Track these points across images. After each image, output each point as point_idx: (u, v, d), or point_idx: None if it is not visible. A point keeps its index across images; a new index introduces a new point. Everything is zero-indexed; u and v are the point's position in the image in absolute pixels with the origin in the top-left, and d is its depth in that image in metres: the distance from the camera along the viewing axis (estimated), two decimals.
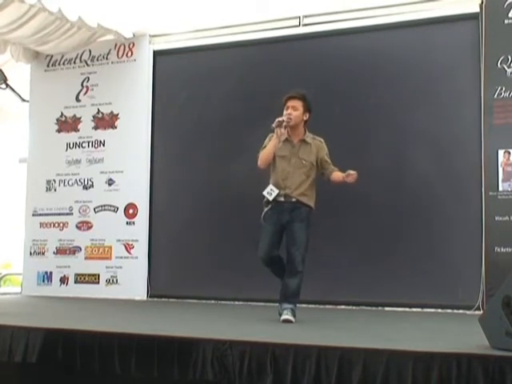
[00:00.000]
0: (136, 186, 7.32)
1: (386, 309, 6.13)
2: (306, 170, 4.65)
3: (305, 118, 4.68)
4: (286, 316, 4.44)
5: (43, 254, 7.68)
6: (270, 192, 4.62)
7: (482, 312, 4.38)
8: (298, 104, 4.63)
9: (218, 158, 7.07)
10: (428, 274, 6.02)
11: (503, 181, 5.82)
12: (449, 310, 5.96)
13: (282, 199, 4.61)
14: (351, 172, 4.56)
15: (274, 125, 4.56)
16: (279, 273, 4.71)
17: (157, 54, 7.50)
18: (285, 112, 4.62)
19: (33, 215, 7.80)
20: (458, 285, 5.98)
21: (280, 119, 4.56)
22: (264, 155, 4.67)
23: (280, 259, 4.69)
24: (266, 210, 4.67)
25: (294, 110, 4.61)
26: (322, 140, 4.78)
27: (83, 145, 7.64)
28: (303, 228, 4.59)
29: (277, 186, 4.62)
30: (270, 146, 4.63)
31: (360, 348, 3.00)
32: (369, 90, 6.54)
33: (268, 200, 4.64)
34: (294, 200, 4.60)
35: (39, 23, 6.88)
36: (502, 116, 5.86)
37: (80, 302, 6.61)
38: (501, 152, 5.83)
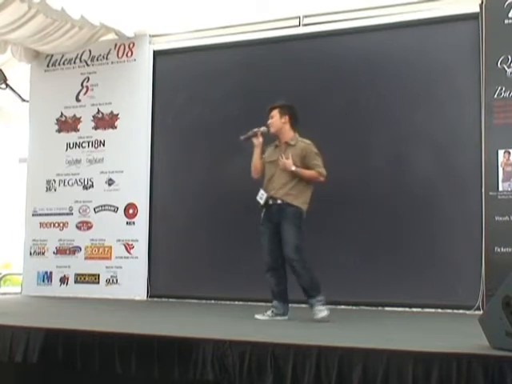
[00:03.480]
0: (136, 186, 7.32)
1: (386, 309, 6.13)
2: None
3: (284, 121, 4.96)
4: (319, 314, 4.62)
5: (43, 254, 7.68)
6: (261, 196, 4.91)
7: (482, 312, 4.39)
8: (274, 112, 4.99)
9: (217, 158, 7.07)
10: (428, 273, 6.03)
11: (503, 181, 5.82)
12: (449, 310, 5.96)
13: (270, 202, 4.86)
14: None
15: (242, 137, 5.01)
16: (276, 291, 4.87)
17: (157, 54, 7.50)
18: None
19: (33, 215, 7.79)
20: (458, 285, 5.98)
21: (255, 130, 4.98)
22: (252, 166, 5.04)
23: (283, 276, 4.86)
24: (261, 215, 4.94)
25: (271, 118, 4.97)
26: (309, 142, 4.96)
27: (83, 145, 7.64)
28: (288, 226, 4.77)
29: (265, 190, 4.90)
30: (254, 156, 5.01)
31: (360, 348, 3.00)
32: (369, 90, 6.54)
33: (261, 204, 4.91)
34: (279, 202, 4.83)
35: (40, 22, 6.87)
36: (502, 116, 5.86)
37: (80, 302, 6.61)
38: (501, 152, 5.83)
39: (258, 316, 4.86)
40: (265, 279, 4.94)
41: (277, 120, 4.94)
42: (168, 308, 6.25)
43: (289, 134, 4.95)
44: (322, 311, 4.64)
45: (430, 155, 6.27)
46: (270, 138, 5.08)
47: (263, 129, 4.98)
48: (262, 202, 4.88)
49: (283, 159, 4.79)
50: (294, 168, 4.77)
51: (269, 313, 4.84)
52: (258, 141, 4.97)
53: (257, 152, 4.99)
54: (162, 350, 3.36)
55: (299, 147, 4.88)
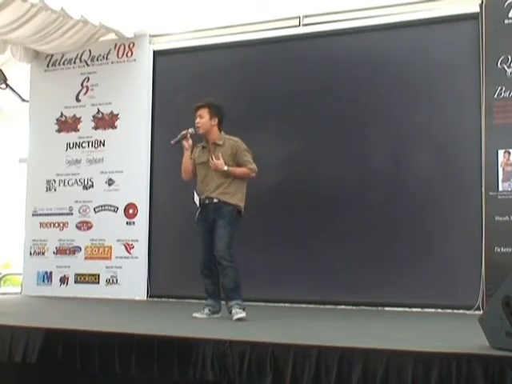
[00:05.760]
0: (136, 186, 7.31)
1: (386, 309, 6.13)
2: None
3: (213, 123, 4.94)
4: (237, 315, 4.58)
5: (43, 254, 7.68)
6: (196, 199, 4.93)
7: (482, 312, 4.38)
8: (204, 112, 4.94)
9: None
10: (428, 274, 6.02)
11: (503, 181, 5.81)
12: (449, 310, 5.95)
13: (207, 202, 4.85)
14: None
15: (172, 142, 4.96)
16: (211, 290, 4.94)
17: (157, 54, 7.49)
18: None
19: (33, 215, 7.79)
20: (457, 285, 5.98)
21: (184, 132, 4.94)
22: (182, 169, 5.04)
23: (216, 274, 4.89)
24: (196, 214, 4.94)
25: (200, 118, 4.93)
26: (237, 139, 4.97)
27: (83, 145, 7.64)
28: (224, 224, 4.76)
29: (199, 192, 4.90)
30: (184, 159, 5.00)
31: (360, 348, 3.00)
32: (369, 90, 6.53)
33: (198, 206, 4.92)
34: (216, 201, 4.81)
35: (40, 22, 6.88)
36: (501, 116, 5.86)
37: (80, 302, 6.61)
38: (501, 152, 5.83)
39: (196, 314, 4.91)
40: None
41: (206, 121, 4.91)
42: (168, 308, 6.25)
43: (216, 133, 4.95)
44: (239, 313, 4.60)
45: (430, 155, 6.27)
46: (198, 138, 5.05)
47: (191, 130, 4.96)
48: (198, 204, 4.91)
49: (214, 160, 4.79)
50: (226, 168, 4.77)
51: (206, 311, 4.92)
52: (188, 143, 4.96)
53: (187, 154, 4.98)
54: (162, 350, 3.36)
55: (228, 146, 4.89)
